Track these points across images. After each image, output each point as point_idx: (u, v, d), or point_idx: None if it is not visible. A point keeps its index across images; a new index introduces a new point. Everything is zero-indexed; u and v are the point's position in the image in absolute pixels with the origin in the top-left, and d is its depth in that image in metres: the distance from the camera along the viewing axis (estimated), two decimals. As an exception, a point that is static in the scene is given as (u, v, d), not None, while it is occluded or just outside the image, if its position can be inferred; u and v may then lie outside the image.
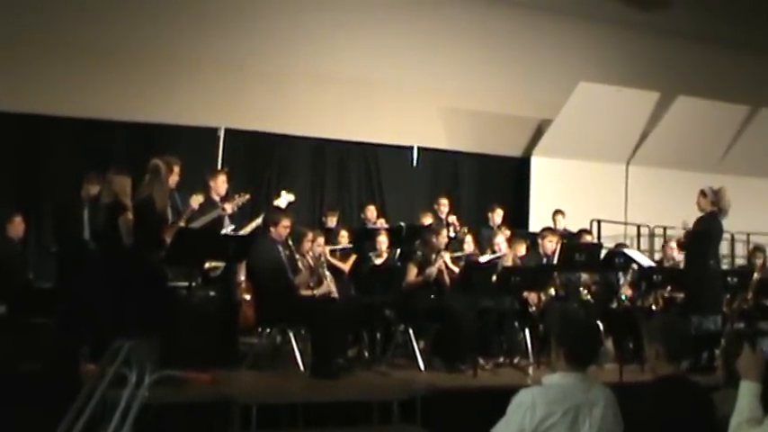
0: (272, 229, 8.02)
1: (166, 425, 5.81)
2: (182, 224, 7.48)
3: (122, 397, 3.93)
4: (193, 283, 7.41)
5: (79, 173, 9.08)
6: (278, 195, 9.29)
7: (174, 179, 7.57)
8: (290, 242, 8.17)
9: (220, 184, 8.34)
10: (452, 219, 11.56)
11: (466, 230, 11.01)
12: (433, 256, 8.75)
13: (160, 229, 7.11)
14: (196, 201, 7.83)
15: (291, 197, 9.18)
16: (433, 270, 8.64)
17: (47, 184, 11.12)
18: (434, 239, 8.91)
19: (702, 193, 8.82)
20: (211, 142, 12.16)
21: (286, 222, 8.07)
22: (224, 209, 8.17)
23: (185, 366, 6.09)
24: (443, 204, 11.75)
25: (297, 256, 8.20)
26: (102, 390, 4.11)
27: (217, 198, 8.27)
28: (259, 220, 8.49)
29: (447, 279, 8.75)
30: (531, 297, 9.00)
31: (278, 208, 8.80)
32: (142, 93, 11.57)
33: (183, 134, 11.87)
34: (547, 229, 9.99)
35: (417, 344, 8.40)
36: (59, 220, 9.08)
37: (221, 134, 12.23)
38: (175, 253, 6.97)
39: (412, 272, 8.72)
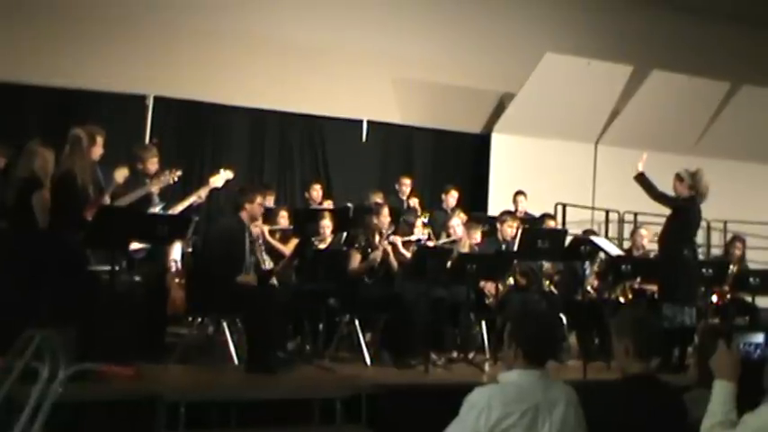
0: (247, 206, 7.95)
1: (83, 425, 5.76)
2: (106, 202, 7.38)
3: (32, 393, 3.86)
4: (116, 267, 7.30)
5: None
6: (215, 172, 9.18)
7: (97, 151, 7.46)
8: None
9: (150, 165, 8.26)
10: (414, 202, 11.52)
11: (427, 216, 10.99)
12: (377, 239, 8.72)
13: (81, 208, 7.00)
14: (121, 174, 7.74)
15: (230, 174, 9.05)
16: (377, 255, 8.62)
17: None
18: (375, 220, 8.87)
19: (678, 176, 8.82)
20: (139, 111, 12.06)
21: (260, 200, 8.02)
22: (152, 186, 8.08)
23: (105, 359, 5.98)
24: (405, 184, 11.72)
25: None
26: (9, 385, 4.04)
27: (145, 175, 8.18)
28: (193, 199, 8.39)
29: (395, 264, 8.73)
30: (488, 287, 9.05)
31: (216, 188, 8.69)
32: (58, 53, 11.35)
33: (107, 102, 11.74)
34: (506, 213, 10.01)
35: (363, 336, 8.43)
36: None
37: (150, 103, 12.12)
38: (97, 233, 6.87)
39: (355, 259, 8.70)
